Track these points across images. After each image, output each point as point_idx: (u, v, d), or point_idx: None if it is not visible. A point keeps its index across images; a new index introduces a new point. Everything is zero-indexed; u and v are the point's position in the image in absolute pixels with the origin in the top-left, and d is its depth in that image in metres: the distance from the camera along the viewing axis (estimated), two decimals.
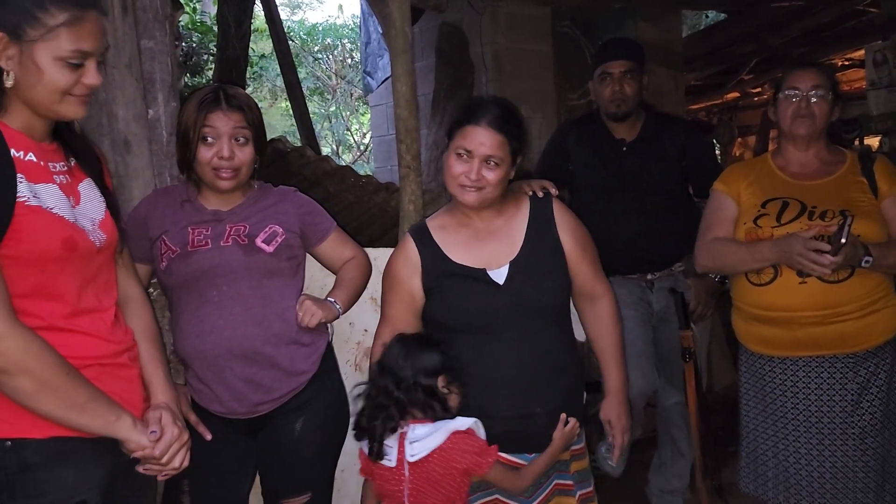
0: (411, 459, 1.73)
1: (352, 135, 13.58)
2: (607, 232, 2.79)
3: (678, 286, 2.86)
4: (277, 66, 6.45)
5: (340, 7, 19.24)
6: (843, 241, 1.93)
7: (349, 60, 12.58)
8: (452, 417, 1.77)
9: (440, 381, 1.77)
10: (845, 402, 2.14)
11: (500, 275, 1.87)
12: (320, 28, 12.93)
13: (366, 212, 3.85)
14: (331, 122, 13.16)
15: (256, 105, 1.97)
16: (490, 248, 1.90)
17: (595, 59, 3.01)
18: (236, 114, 1.87)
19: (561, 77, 4.87)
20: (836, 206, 2.14)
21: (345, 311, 2.00)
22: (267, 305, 1.87)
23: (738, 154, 9.28)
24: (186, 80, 6.39)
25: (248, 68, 6.15)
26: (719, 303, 2.97)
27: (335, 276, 2.10)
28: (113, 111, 2.08)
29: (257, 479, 2.03)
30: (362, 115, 12.99)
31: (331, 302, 1.96)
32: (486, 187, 1.83)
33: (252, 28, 5.56)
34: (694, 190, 2.94)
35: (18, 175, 1.30)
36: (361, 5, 5.68)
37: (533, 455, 1.86)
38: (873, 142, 7.25)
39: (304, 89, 6.62)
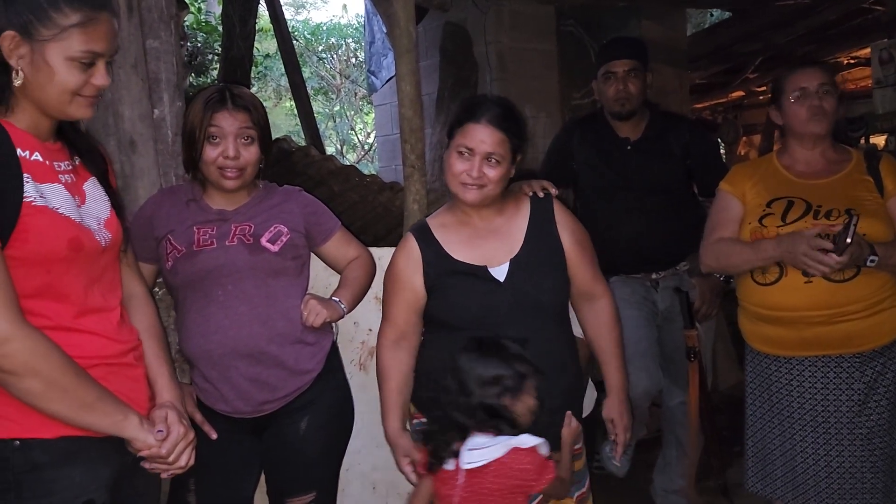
0: (466, 467, 1.70)
1: (356, 134, 13.60)
2: (612, 231, 2.80)
3: (683, 285, 2.86)
4: (282, 66, 6.46)
5: (345, 6, 19.24)
6: (849, 240, 1.92)
7: (353, 60, 12.59)
8: (519, 433, 1.71)
9: (506, 399, 1.69)
10: (852, 402, 2.14)
11: (500, 272, 1.88)
12: (324, 28, 12.95)
13: (370, 211, 3.85)
14: (335, 121, 13.17)
15: (262, 105, 1.97)
16: (491, 246, 1.91)
17: (599, 58, 3.00)
18: (242, 113, 1.88)
19: (565, 76, 4.87)
20: (842, 205, 2.13)
21: (350, 311, 2.00)
22: (272, 305, 1.88)
23: (742, 153, 9.26)
24: (191, 79, 6.40)
25: (253, 68, 6.16)
26: (724, 302, 2.97)
27: (340, 276, 2.11)
28: (119, 111, 2.09)
29: (262, 478, 2.04)
30: (366, 114, 13.00)
31: (336, 301, 1.96)
32: (488, 185, 1.84)
33: (257, 28, 5.57)
34: (698, 189, 2.93)
35: (25, 175, 1.30)
36: (366, 5, 5.69)
37: None
38: (879, 140, 7.23)
39: (309, 89, 6.62)
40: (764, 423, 2.28)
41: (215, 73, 6.44)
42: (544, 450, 1.71)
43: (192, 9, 6.56)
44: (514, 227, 1.93)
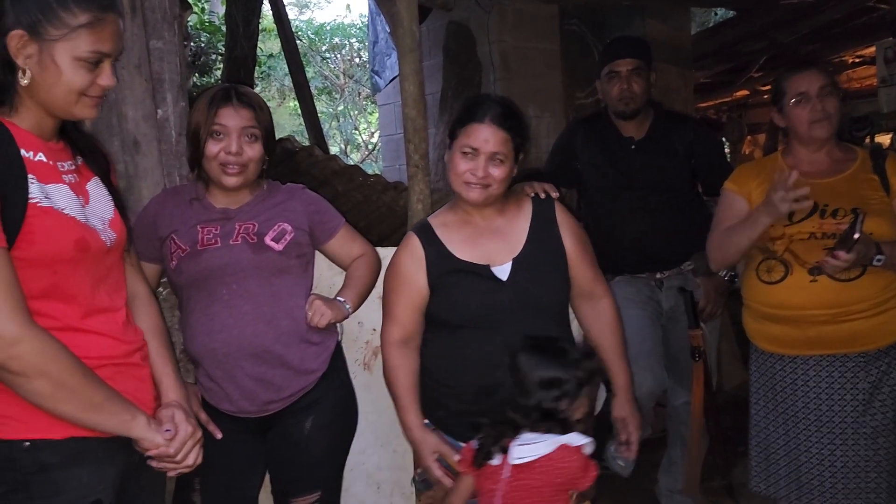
0: (514, 462, 1.70)
1: (360, 134, 13.60)
2: (616, 231, 2.80)
3: (687, 285, 2.85)
4: (286, 66, 6.47)
5: (348, 6, 19.30)
6: (857, 235, 1.92)
7: (357, 60, 12.60)
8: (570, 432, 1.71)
9: (563, 404, 1.68)
10: (857, 401, 2.13)
11: (502, 271, 1.88)
12: (328, 27, 12.95)
13: (374, 211, 3.86)
14: (339, 121, 13.18)
15: (267, 106, 1.98)
16: (493, 246, 1.91)
17: (602, 57, 3.00)
18: (246, 110, 1.88)
19: (568, 75, 4.86)
20: (848, 204, 2.13)
21: (354, 311, 2.00)
22: (276, 304, 1.88)
23: (747, 152, 9.24)
24: (195, 79, 6.41)
25: (257, 68, 6.18)
26: (729, 301, 2.96)
27: (344, 274, 2.10)
28: (122, 111, 2.09)
29: (267, 477, 2.04)
30: (370, 114, 13.01)
31: (340, 301, 1.96)
32: (492, 184, 1.85)
33: (260, 28, 5.58)
34: (703, 188, 2.93)
35: (29, 176, 1.30)
36: (369, 4, 5.69)
37: None
38: (884, 139, 7.21)
39: (312, 89, 6.64)
40: (768, 422, 2.27)
41: (219, 73, 6.45)
42: (589, 449, 1.71)
43: (195, 9, 6.57)
44: (517, 227, 1.94)
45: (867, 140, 7.06)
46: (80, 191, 1.41)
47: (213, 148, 1.86)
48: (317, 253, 2.07)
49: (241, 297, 1.86)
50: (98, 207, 1.45)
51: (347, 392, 2.05)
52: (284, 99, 12.69)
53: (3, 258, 1.23)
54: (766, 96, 8.55)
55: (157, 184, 2.13)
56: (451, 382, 1.88)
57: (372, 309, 2.33)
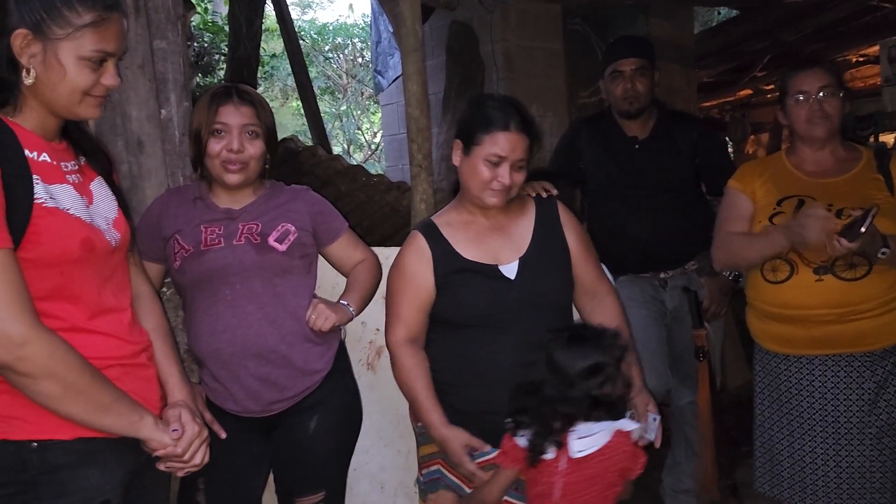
0: (577, 456, 1.70)
1: (362, 134, 13.60)
2: (619, 230, 2.79)
3: (691, 285, 2.85)
4: (288, 66, 6.46)
5: (351, 6, 19.28)
6: (863, 230, 1.90)
7: (360, 59, 12.60)
8: (616, 417, 1.72)
9: (608, 387, 1.70)
10: (862, 401, 2.12)
11: (510, 270, 1.89)
12: (331, 27, 12.95)
13: (377, 211, 3.86)
14: (341, 121, 13.18)
15: (268, 105, 1.98)
16: (498, 245, 1.92)
17: (606, 57, 3.00)
18: (247, 108, 1.88)
19: (572, 75, 4.85)
20: (853, 204, 2.12)
21: (358, 314, 1.99)
22: (280, 304, 1.88)
23: (750, 151, 9.21)
24: (198, 80, 6.42)
25: (260, 68, 6.17)
26: (733, 301, 2.95)
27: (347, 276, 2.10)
28: (126, 111, 2.09)
29: (270, 477, 2.04)
30: (373, 114, 13.01)
31: (344, 305, 1.96)
32: (513, 188, 1.88)
33: (263, 28, 5.58)
34: (707, 188, 2.92)
35: (34, 176, 1.29)
36: (372, 4, 5.69)
37: None
38: (888, 138, 7.19)
39: (315, 88, 6.64)
40: (772, 422, 2.27)
41: (222, 73, 6.45)
42: (636, 434, 1.73)
43: (198, 9, 6.58)
44: (521, 227, 1.95)
45: (871, 139, 7.04)
46: (83, 191, 1.41)
47: (214, 146, 1.86)
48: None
49: (245, 298, 1.86)
50: (102, 207, 1.45)
51: (352, 392, 2.05)
52: (287, 99, 12.70)
53: (10, 259, 1.23)
54: (769, 96, 8.53)
55: (160, 184, 2.13)
56: (457, 382, 1.87)
57: (375, 309, 2.32)
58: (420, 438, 1.99)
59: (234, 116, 1.86)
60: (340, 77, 12.86)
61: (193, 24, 6.21)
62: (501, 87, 4.60)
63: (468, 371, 1.86)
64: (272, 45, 10.14)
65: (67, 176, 1.39)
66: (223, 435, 1.84)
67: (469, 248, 1.90)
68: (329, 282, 2.21)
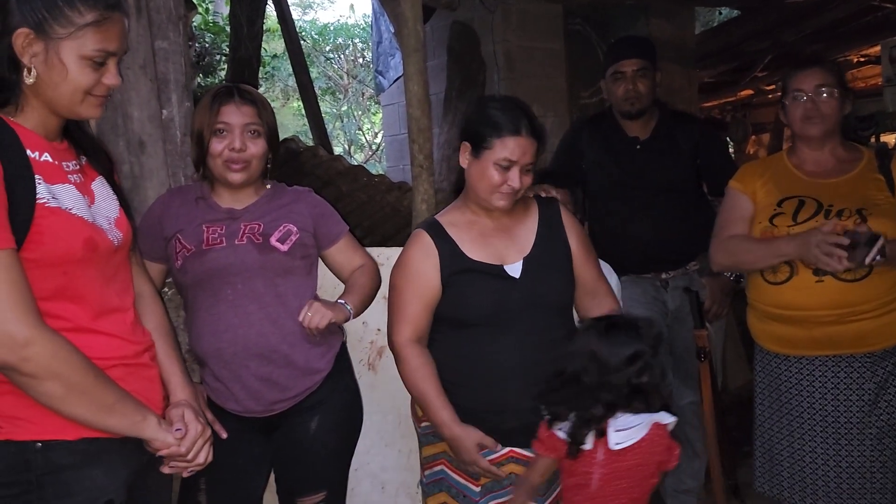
0: (616, 447, 1.72)
1: (363, 134, 13.60)
2: (621, 231, 2.79)
3: (693, 285, 2.85)
4: (289, 66, 6.47)
5: (352, 6, 19.30)
6: (867, 261, 1.94)
7: (360, 60, 12.59)
8: (653, 409, 1.74)
9: (647, 375, 1.73)
10: (862, 402, 2.12)
11: (514, 270, 1.90)
12: (332, 28, 12.94)
13: (378, 211, 3.86)
14: (342, 121, 13.18)
15: (270, 105, 1.98)
16: (502, 245, 1.93)
17: (607, 57, 3.00)
18: (248, 107, 1.89)
19: (573, 75, 4.85)
20: (853, 205, 2.12)
21: (356, 315, 1.99)
22: (281, 304, 1.88)
23: (751, 152, 9.21)
24: (199, 80, 6.42)
25: (261, 68, 6.16)
26: (734, 301, 2.95)
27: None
28: (128, 112, 2.10)
29: (272, 478, 2.04)
30: (374, 114, 13.01)
31: (341, 304, 1.95)
32: (521, 191, 1.89)
33: (264, 28, 5.58)
34: (708, 188, 2.92)
35: (36, 176, 1.29)
36: (373, 4, 5.68)
37: None
38: (889, 139, 7.19)
39: (316, 89, 6.63)
40: (773, 423, 2.27)
41: (223, 73, 6.45)
42: (671, 427, 1.75)
43: (199, 9, 6.58)
44: (524, 228, 1.96)
45: (872, 139, 7.03)
46: (85, 190, 1.41)
47: (217, 146, 1.87)
48: None
49: (247, 298, 1.86)
50: (104, 207, 1.45)
51: (353, 392, 2.06)
52: (288, 99, 12.70)
53: (13, 259, 1.23)
54: (770, 96, 8.53)
55: (162, 184, 2.13)
56: (461, 381, 1.87)
57: (376, 309, 2.32)
58: (423, 439, 1.99)
59: (235, 116, 1.87)
60: (341, 77, 12.86)
61: (194, 24, 6.22)
62: (502, 87, 4.60)
63: (472, 370, 1.87)
64: (273, 45, 10.14)
65: (69, 176, 1.39)
66: (224, 435, 1.84)
67: (474, 249, 1.91)
68: (330, 282, 2.21)
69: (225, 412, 1.88)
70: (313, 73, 9.74)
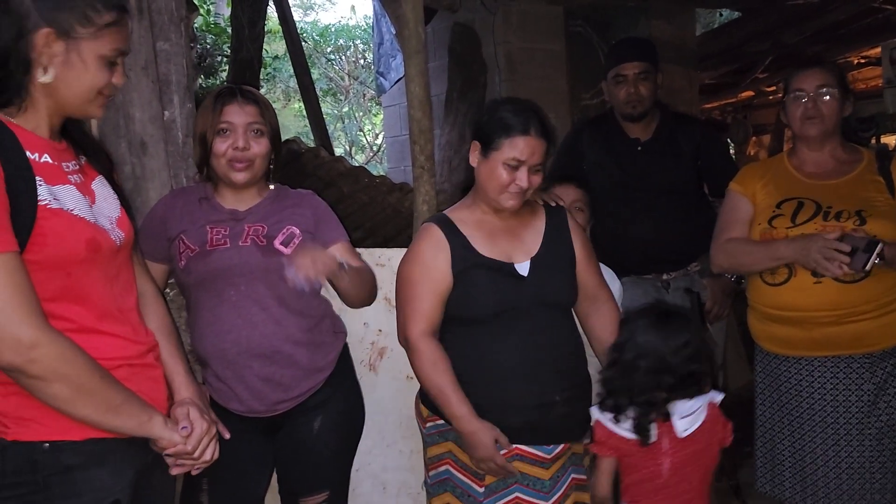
0: (683, 435, 1.78)
1: (364, 135, 13.61)
2: (622, 232, 2.80)
3: (694, 286, 2.85)
4: (291, 68, 6.47)
5: (353, 8, 19.29)
6: (867, 268, 1.95)
7: (362, 61, 12.60)
8: (703, 391, 1.83)
9: (697, 361, 1.80)
10: (862, 402, 2.13)
11: (523, 269, 1.92)
12: (333, 29, 12.96)
13: (380, 212, 3.86)
14: (343, 122, 13.19)
15: (271, 105, 1.99)
16: (510, 245, 1.95)
17: (608, 59, 3.00)
18: (251, 107, 1.89)
19: (574, 76, 4.85)
20: (852, 207, 2.12)
21: (349, 283, 1.85)
22: (284, 305, 1.88)
23: (752, 153, 9.21)
24: (201, 81, 6.42)
25: (262, 69, 6.17)
26: (735, 302, 2.95)
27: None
28: (129, 113, 2.10)
29: (273, 478, 2.04)
30: (375, 115, 13.02)
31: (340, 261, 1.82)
32: (529, 191, 1.90)
33: (265, 29, 5.58)
34: (709, 190, 2.92)
35: (37, 178, 1.29)
36: (374, 6, 5.69)
37: (551, 447, 1.88)
38: (890, 140, 7.19)
39: (317, 90, 6.63)
40: (773, 423, 2.27)
41: (224, 74, 6.46)
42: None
43: (200, 11, 6.59)
44: (532, 230, 1.98)
45: (872, 141, 7.03)
46: (86, 190, 1.41)
47: (220, 146, 1.87)
48: None
49: (249, 299, 1.86)
50: (105, 207, 1.45)
51: (355, 392, 2.06)
52: (289, 100, 12.71)
53: (16, 262, 1.23)
54: (771, 97, 8.54)
55: (163, 185, 2.14)
56: (468, 379, 1.87)
57: (377, 310, 2.33)
58: (428, 439, 1.99)
59: (238, 115, 1.87)
60: (342, 79, 12.87)
61: (196, 25, 6.22)
62: (503, 88, 4.61)
63: (477, 368, 1.87)
64: (274, 46, 10.15)
65: (69, 176, 1.39)
66: (227, 435, 1.84)
67: (484, 245, 1.92)
68: None
69: (227, 412, 1.88)
70: (314, 74, 9.74)
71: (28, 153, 1.30)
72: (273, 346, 1.86)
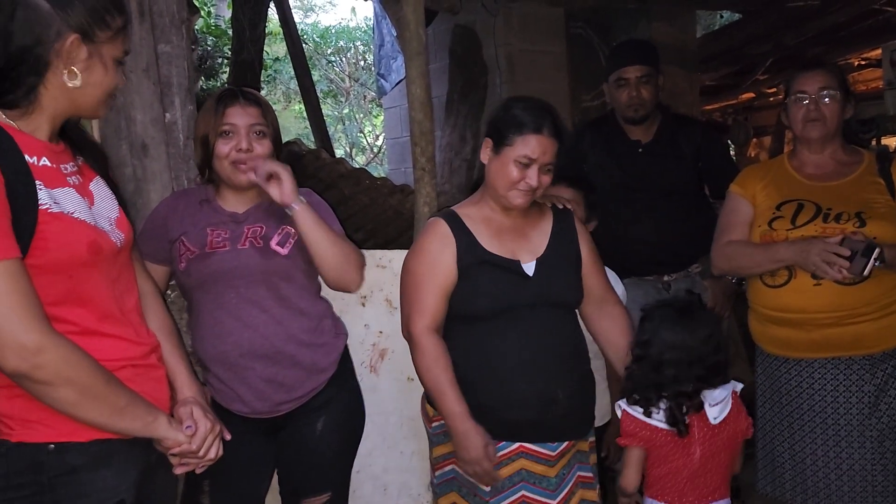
0: (715, 422, 1.84)
1: (365, 137, 13.62)
2: (623, 233, 2.80)
3: (695, 288, 2.85)
4: (291, 69, 6.48)
5: (353, 10, 19.22)
6: (866, 273, 1.96)
7: (362, 63, 12.62)
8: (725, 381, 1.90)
9: (721, 354, 1.87)
10: (862, 404, 2.12)
11: (528, 269, 1.93)
12: (333, 31, 12.98)
13: (381, 214, 3.87)
14: (344, 124, 13.20)
15: (272, 107, 1.99)
16: (516, 244, 1.95)
17: (610, 62, 3.00)
18: (253, 108, 1.90)
19: (575, 78, 4.86)
20: (852, 208, 2.12)
21: (309, 221, 1.85)
22: (285, 306, 1.89)
23: (753, 155, 9.21)
24: (202, 83, 6.43)
25: (263, 71, 6.18)
26: (736, 304, 2.95)
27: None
28: (131, 115, 2.10)
29: (274, 479, 2.04)
30: (375, 117, 13.03)
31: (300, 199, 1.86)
32: (539, 190, 1.91)
33: (266, 31, 5.59)
34: (710, 191, 2.93)
35: (37, 182, 1.29)
36: (374, 8, 5.70)
37: (556, 444, 1.89)
38: (890, 142, 7.18)
39: (318, 92, 6.64)
40: (774, 424, 2.27)
41: (225, 76, 6.47)
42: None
43: (201, 13, 6.59)
44: (538, 231, 1.99)
45: (873, 143, 7.03)
46: (84, 192, 1.41)
47: (223, 148, 1.87)
48: None
49: (250, 301, 1.86)
50: (104, 208, 1.45)
51: (356, 394, 2.06)
52: (290, 102, 12.72)
53: (18, 268, 1.23)
54: (771, 99, 8.54)
55: (165, 187, 2.14)
56: (472, 378, 1.88)
57: (378, 312, 2.33)
58: (434, 439, 1.99)
59: (241, 117, 1.88)
60: (343, 80, 12.89)
61: (197, 28, 6.23)
62: (504, 90, 4.61)
63: (480, 366, 1.88)
64: (275, 48, 10.16)
65: (68, 178, 1.39)
66: (227, 436, 1.84)
67: (490, 242, 1.93)
68: None
69: (229, 413, 1.88)
70: (315, 76, 9.75)
71: (27, 157, 1.30)
72: (275, 347, 1.86)
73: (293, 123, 12.85)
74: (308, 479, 1.97)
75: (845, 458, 2.14)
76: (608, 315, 2.04)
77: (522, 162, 1.86)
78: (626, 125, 2.89)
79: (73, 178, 1.41)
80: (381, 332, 2.39)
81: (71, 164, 1.43)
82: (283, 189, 1.83)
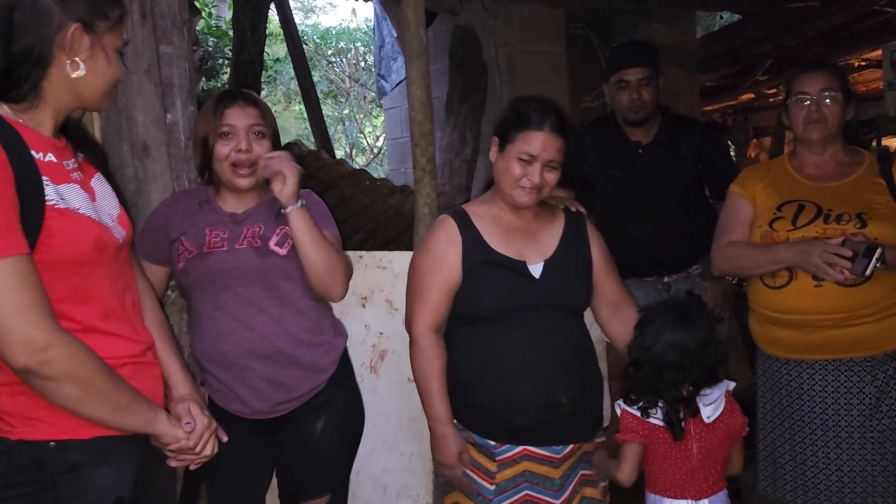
0: (709, 421, 1.87)
1: (365, 138, 13.62)
2: (624, 234, 2.80)
3: (695, 288, 2.85)
4: (292, 70, 6.48)
5: (354, 11, 19.21)
6: (868, 273, 1.96)
7: (362, 64, 12.62)
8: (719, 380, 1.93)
9: (719, 355, 1.89)
10: (863, 405, 2.12)
11: (535, 270, 1.92)
12: (334, 32, 12.97)
13: (381, 214, 3.86)
14: (344, 124, 13.19)
15: (270, 108, 2.00)
16: (525, 245, 1.95)
17: (610, 63, 3.00)
18: (252, 109, 1.90)
19: (575, 79, 4.86)
20: (853, 209, 2.12)
21: (303, 224, 1.85)
22: (283, 305, 1.89)
23: (753, 155, 9.21)
24: (202, 84, 6.43)
25: (263, 72, 6.18)
26: (736, 305, 2.95)
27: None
28: (132, 116, 2.10)
29: (274, 481, 2.04)
30: (375, 117, 13.03)
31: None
32: (544, 188, 1.90)
33: (266, 32, 5.59)
34: (710, 192, 2.93)
35: (44, 178, 1.29)
36: (375, 9, 5.70)
37: (560, 447, 1.89)
38: (891, 142, 7.18)
39: (318, 92, 6.64)
40: (774, 426, 2.27)
41: (226, 77, 6.47)
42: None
43: (203, 14, 6.60)
44: (549, 232, 1.99)
45: (874, 143, 7.03)
46: (86, 188, 1.42)
47: (222, 149, 1.88)
48: None
49: (247, 301, 1.86)
50: (105, 204, 1.45)
51: (355, 394, 2.06)
52: (290, 103, 12.72)
53: (27, 264, 1.23)
54: (771, 99, 8.54)
55: (166, 187, 2.14)
56: (476, 379, 1.88)
57: (379, 312, 2.34)
58: (442, 487, 2.00)
59: (240, 118, 1.88)
60: (343, 81, 12.89)
61: (198, 29, 6.23)
62: (504, 91, 4.62)
63: (484, 367, 1.88)
64: (276, 49, 10.16)
65: (71, 174, 1.39)
66: (225, 438, 1.84)
67: (498, 242, 1.93)
68: None
69: (227, 414, 1.88)
70: (315, 76, 9.75)
71: (33, 152, 1.30)
72: (274, 347, 1.86)
73: (293, 124, 12.85)
74: (308, 479, 1.96)
75: (846, 460, 2.14)
76: (624, 317, 2.03)
77: (524, 158, 1.86)
78: (626, 126, 2.89)
79: (76, 174, 1.41)
80: (381, 333, 2.39)
81: (73, 160, 1.43)
82: (285, 188, 1.83)
